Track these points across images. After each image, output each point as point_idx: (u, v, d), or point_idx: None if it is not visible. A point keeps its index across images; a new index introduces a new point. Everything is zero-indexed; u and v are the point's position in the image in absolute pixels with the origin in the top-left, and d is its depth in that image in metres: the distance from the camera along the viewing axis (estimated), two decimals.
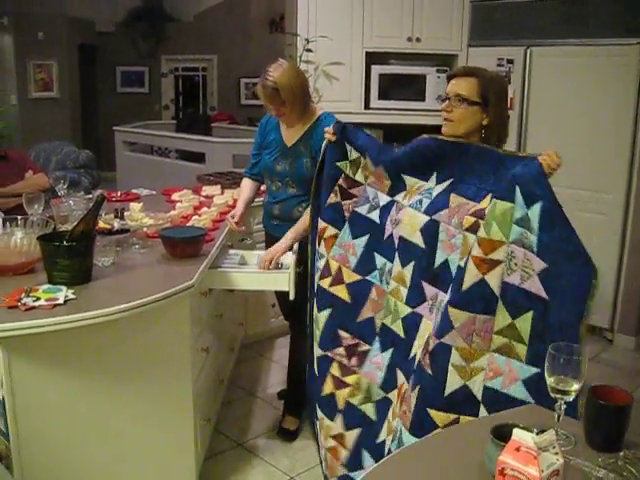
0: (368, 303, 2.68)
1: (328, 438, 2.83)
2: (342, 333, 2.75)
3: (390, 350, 2.58)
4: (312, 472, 3.25)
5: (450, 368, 2.20)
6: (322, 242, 2.83)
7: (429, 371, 2.25)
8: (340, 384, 2.75)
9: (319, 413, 2.89)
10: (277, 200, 3.42)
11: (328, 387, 2.79)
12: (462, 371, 2.19)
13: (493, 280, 2.13)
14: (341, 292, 2.75)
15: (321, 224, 2.85)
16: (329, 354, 2.80)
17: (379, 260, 2.64)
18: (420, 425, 2.26)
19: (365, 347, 2.67)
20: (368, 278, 2.69)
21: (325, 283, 2.82)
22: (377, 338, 2.63)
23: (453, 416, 2.20)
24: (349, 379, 2.72)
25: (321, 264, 2.84)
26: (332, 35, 5.10)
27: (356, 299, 2.72)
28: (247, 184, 3.61)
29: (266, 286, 3.33)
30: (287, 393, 3.74)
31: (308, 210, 3.15)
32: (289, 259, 3.19)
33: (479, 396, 2.18)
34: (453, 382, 2.20)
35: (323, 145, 2.86)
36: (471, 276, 2.16)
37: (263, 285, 3.29)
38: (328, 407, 2.81)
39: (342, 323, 2.75)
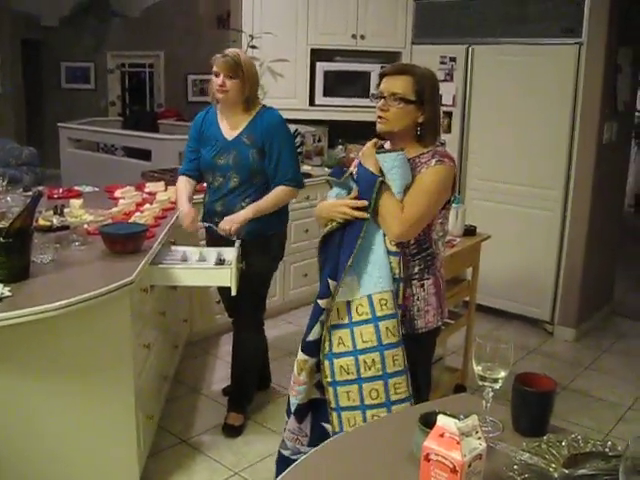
0: None
1: None
2: None
3: None
4: (256, 467, 3.27)
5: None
6: None
7: None
8: None
9: None
10: (219, 196, 3.42)
11: None
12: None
13: None
14: None
15: None
16: None
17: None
18: None
19: None
20: None
21: None
22: None
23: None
24: None
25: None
26: (277, 32, 5.12)
27: None
28: (184, 182, 3.52)
29: (207, 282, 3.34)
30: (231, 389, 3.74)
31: (276, 191, 3.32)
32: (231, 254, 3.20)
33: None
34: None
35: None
36: None
37: (204, 281, 3.28)
38: None
39: None
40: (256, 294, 3.51)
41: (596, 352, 4.78)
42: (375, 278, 2.35)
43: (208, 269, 3.16)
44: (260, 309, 3.61)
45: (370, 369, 2.36)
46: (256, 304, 3.56)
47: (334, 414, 2.46)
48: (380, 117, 2.41)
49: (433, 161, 2.36)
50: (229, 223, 3.28)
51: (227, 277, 3.12)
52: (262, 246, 3.41)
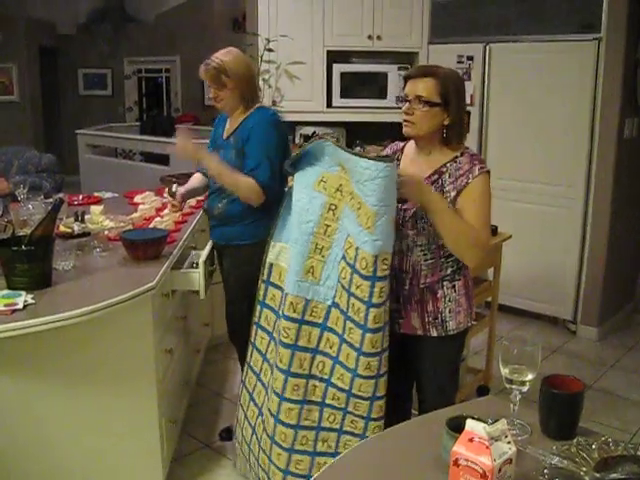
0: None
1: None
2: None
3: None
4: None
5: None
6: None
7: None
8: None
9: None
10: (208, 194, 3.35)
11: None
12: None
13: None
14: None
15: None
16: None
17: None
18: None
19: None
20: None
21: None
22: None
23: None
24: None
25: None
26: (293, 34, 5.11)
27: None
28: (196, 175, 3.53)
29: (180, 286, 3.15)
30: None
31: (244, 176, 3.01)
32: (200, 258, 3.15)
33: None
34: None
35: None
36: None
37: (176, 284, 3.13)
38: None
39: None
40: (234, 305, 3.33)
41: (620, 351, 4.73)
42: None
43: (179, 273, 3.11)
44: (241, 322, 3.23)
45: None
46: (235, 318, 3.35)
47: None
48: (406, 120, 2.38)
49: (476, 169, 2.36)
50: (189, 144, 3.10)
51: (195, 281, 3.09)
52: (234, 256, 3.26)
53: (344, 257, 2.37)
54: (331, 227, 2.42)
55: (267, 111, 3.20)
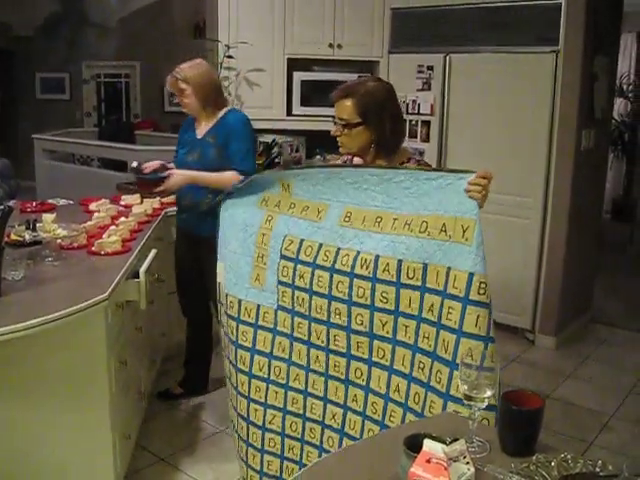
0: None
1: None
2: None
3: None
4: None
5: None
6: None
7: None
8: None
9: None
10: (186, 191, 3.55)
11: None
12: None
13: None
14: None
15: None
16: None
17: None
18: None
19: None
20: None
21: None
22: None
23: None
24: None
25: None
26: (253, 41, 5.08)
27: None
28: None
29: (121, 297, 2.98)
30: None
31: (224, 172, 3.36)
32: (141, 267, 3.06)
33: None
34: None
35: None
36: None
37: (117, 296, 2.91)
38: None
39: None
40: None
41: (577, 360, 4.77)
42: None
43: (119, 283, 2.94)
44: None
45: None
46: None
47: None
48: (339, 142, 2.50)
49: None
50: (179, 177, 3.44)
51: (135, 291, 3.00)
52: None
53: (283, 256, 2.46)
54: (266, 235, 2.53)
55: (239, 112, 3.67)
